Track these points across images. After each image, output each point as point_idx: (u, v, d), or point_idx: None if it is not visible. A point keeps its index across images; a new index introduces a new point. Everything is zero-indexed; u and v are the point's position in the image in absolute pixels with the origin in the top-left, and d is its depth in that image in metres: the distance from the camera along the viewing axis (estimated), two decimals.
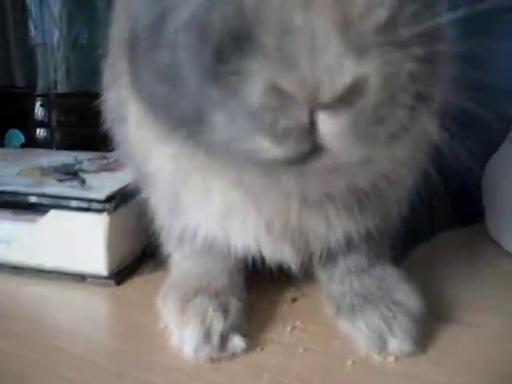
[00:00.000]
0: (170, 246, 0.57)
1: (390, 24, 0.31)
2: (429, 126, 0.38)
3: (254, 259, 0.52)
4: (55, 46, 0.96)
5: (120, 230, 0.60)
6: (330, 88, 0.30)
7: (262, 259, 0.52)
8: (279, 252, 0.50)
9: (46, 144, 0.95)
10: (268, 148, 0.33)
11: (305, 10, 0.30)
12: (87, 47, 0.96)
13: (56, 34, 0.96)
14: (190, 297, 0.50)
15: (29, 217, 0.60)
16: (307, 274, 0.56)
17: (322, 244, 0.51)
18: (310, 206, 0.46)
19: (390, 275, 0.54)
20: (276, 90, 0.31)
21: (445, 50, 0.37)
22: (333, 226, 0.48)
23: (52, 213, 0.59)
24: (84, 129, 0.93)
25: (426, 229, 0.68)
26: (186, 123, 0.36)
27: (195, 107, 0.34)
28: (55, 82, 0.98)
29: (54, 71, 0.97)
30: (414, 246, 0.69)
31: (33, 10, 0.96)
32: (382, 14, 0.31)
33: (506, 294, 0.59)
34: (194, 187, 0.47)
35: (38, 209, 0.60)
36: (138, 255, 0.64)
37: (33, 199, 0.60)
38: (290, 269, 0.53)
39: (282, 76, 0.30)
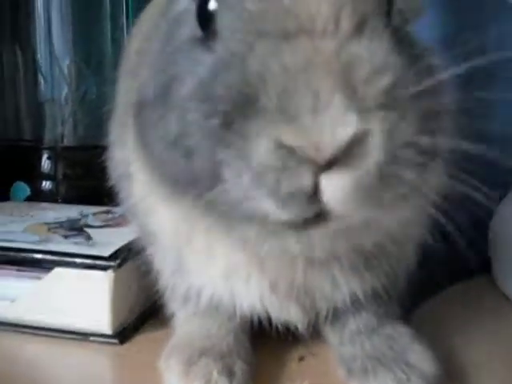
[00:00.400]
0: (174, 305, 0.56)
1: (392, 87, 0.32)
2: (436, 182, 0.38)
3: (260, 318, 0.51)
4: (63, 101, 0.98)
5: (125, 287, 0.59)
6: (333, 141, 0.30)
7: (269, 319, 0.51)
8: (285, 311, 0.50)
9: (51, 196, 0.96)
10: (272, 210, 0.33)
11: (306, 73, 0.31)
12: (95, 101, 0.98)
13: (65, 90, 0.99)
14: (194, 359, 0.49)
15: (34, 274, 0.60)
16: (315, 333, 0.55)
17: (328, 303, 0.50)
18: (316, 265, 0.45)
19: (401, 335, 0.53)
20: (280, 149, 0.31)
21: (446, 104, 0.38)
22: (339, 286, 0.47)
23: (56, 270, 0.59)
24: (89, 182, 0.94)
25: (433, 283, 0.67)
26: (196, 185, 0.36)
27: (207, 171, 0.34)
28: (62, 136, 0.99)
29: (62, 125, 0.99)
30: (422, 300, 0.68)
31: (43, 66, 0.99)
32: (384, 81, 0.32)
33: None
34: (197, 248, 0.47)
35: (43, 266, 0.59)
36: (143, 313, 0.63)
37: (38, 256, 0.60)
38: (296, 328, 0.52)
39: (285, 131, 0.30)
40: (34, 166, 0.98)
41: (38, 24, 0.98)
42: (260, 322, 0.52)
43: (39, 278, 0.59)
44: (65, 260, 0.59)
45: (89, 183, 0.94)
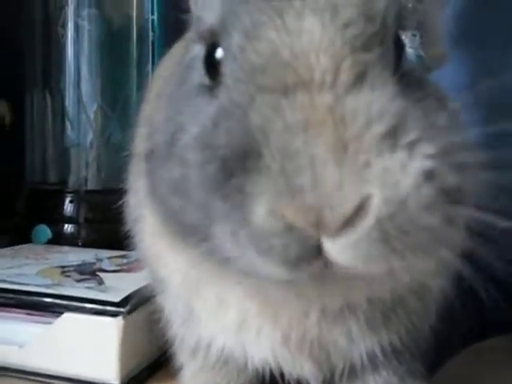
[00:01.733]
0: (183, 357, 0.54)
1: (391, 133, 0.31)
2: (457, 235, 0.36)
3: (272, 373, 0.49)
4: (88, 146, 1.00)
5: (135, 335, 0.58)
6: (333, 218, 0.29)
7: (281, 373, 0.48)
8: (298, 366, 0.47)
9: (72, 240, 0.96)
10: (272, 270, 0.31)
11: (305, 133, 0.30)
12: (118, 146, 0.99)
13: (90, 135, 1.01)
14: None
15: (44, 318, 0.59)
16: None
17: (344, 359, 0.47)
18: (330, 317, 0.43)
19: None
20: (279, 217, 0.30)
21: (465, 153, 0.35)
22: (355, 340, 0.45)
23: (66, 315, 0.57)
24: (110, 225, 0.94)
25: (459, 338, 0.63)
26: (193, 234, 0.35)
27: (201, 219, 0.34)
28: (86, 180, 1.01)
29: (86, 169, 1.01)
30: (447, 357, 0.64)
31: (70, 112, 1.01)
32: (379, 129, 0.30)
33: None
34: (207, 297, 0.45)
35: (53, 310, 0.58)
36: (152, 363, 0.61)
37: (48, 300, 0.59)
38: None
39: (285, 205, 0.30)
40: (57, 209, 0.99)
41: (68, 72, 1.02)
42: (272, 376, 0.49)
43: (49, 323, 0.58)
44: (74, 305, 0.57)
45: (110, 227, 0.94)
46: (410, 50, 0.90)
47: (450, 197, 0.32)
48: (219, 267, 0.36)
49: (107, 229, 0.94)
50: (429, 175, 0.31)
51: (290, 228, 0.30)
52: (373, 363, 0.48)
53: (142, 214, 0.50)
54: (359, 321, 0.43)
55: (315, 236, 0.30)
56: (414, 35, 0.86)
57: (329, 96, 0.31)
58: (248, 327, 0.45)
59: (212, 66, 0.37)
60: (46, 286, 0.62)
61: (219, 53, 0.37)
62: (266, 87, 0.32)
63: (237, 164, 0.31)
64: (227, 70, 0.35)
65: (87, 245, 0.93)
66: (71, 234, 0.97)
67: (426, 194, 0.30)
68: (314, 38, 0.32)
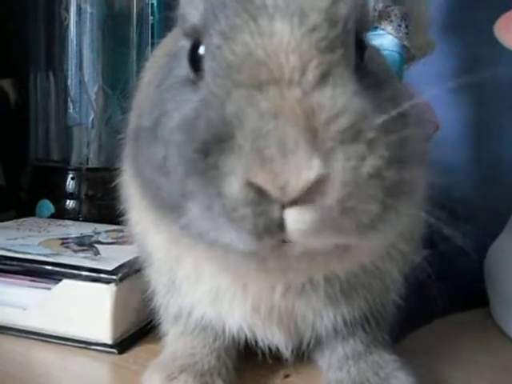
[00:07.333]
0: (167, 323, 0.59)
1: (352, 126, 0.35)
2: (410, 216, 0.40)
3: (246, 339, 0.54)
4: (89, 125, 1.05)
5: (126, 300, 0.63)
6: (297, 184, 0.33)
7: (256, 341, 0.53)
8: (269, 334, 0.52)
9: (74, 215, 1.01)
10: (238, 240, 0.36)
11: (276, 120, 0.34)
12: (118, 125, 1.03)
13: (91, 115, 1.05)
14: (174, 375, 0.51)
15: (44, 284, 0.65)
16: (301, 353, 0.56)
17: (310, 329, 0.52)
18: (294, 292, 0.47)
19: (387, 362, 0.54)
20: (251, 187, 0.34)
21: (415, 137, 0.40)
22: (318, 313, 0.50)
23: (64, 282, 0.63)
24: (110, 201, 0.99)
25: (423, 312, 0.68)
26: (171, 210, 0.40)
27: (179, 196, 0.38)
28: (87, 158, 1.05)
29: (87, 147, 1.05)
30: (413, 328, 0.69)
31: (72, 92, 1.05)
32: (342, 122, 0.35)
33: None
34: (186, 269, 0.50)
35: (53, 277, 0.64)
36: (143, 327, 0.66)
37: (48, 268, 0.64)
38: (281, 350, 0.54)
39: (256, 173, 0.34)
40: (60, 186, 1.03)
41: (71, 53, 1.04)
42: (247, 343, 0.54)
43: (49, 289, 0.64)
44: (72, 272, 0.63)
45: (109, 203, 0.99)
46: (395, 40, 0.93)
47: (392, 190, 0.36)
48: (194, 242, 0.40)
49: (106, 205, 0.99)
50: (378, 171, 0.35)
51: (259, 197, 0.34)
52: (339, 333, 0.54)
53: (130, 192, 0.54)
54: (320, 296, 0.48)
55: (280, 203, 0.34)
56: (400, 25, 0.89)
57: (297, 91, 0.35)
58: (221, 298, 0.50)
59: (195, 61, 0.41)
60: (47, 255, 0.67)
61: (201, 49, 0.41)
62: (242, 83, 0.36)
63: (213, 146, 0.35)
64: (207, 67, 0.39)
65: (87, 219, 0.97)
66: (73, 209, 1.01)
67: (373, 186, 0.35)
68: (283, 40, 0.36)
